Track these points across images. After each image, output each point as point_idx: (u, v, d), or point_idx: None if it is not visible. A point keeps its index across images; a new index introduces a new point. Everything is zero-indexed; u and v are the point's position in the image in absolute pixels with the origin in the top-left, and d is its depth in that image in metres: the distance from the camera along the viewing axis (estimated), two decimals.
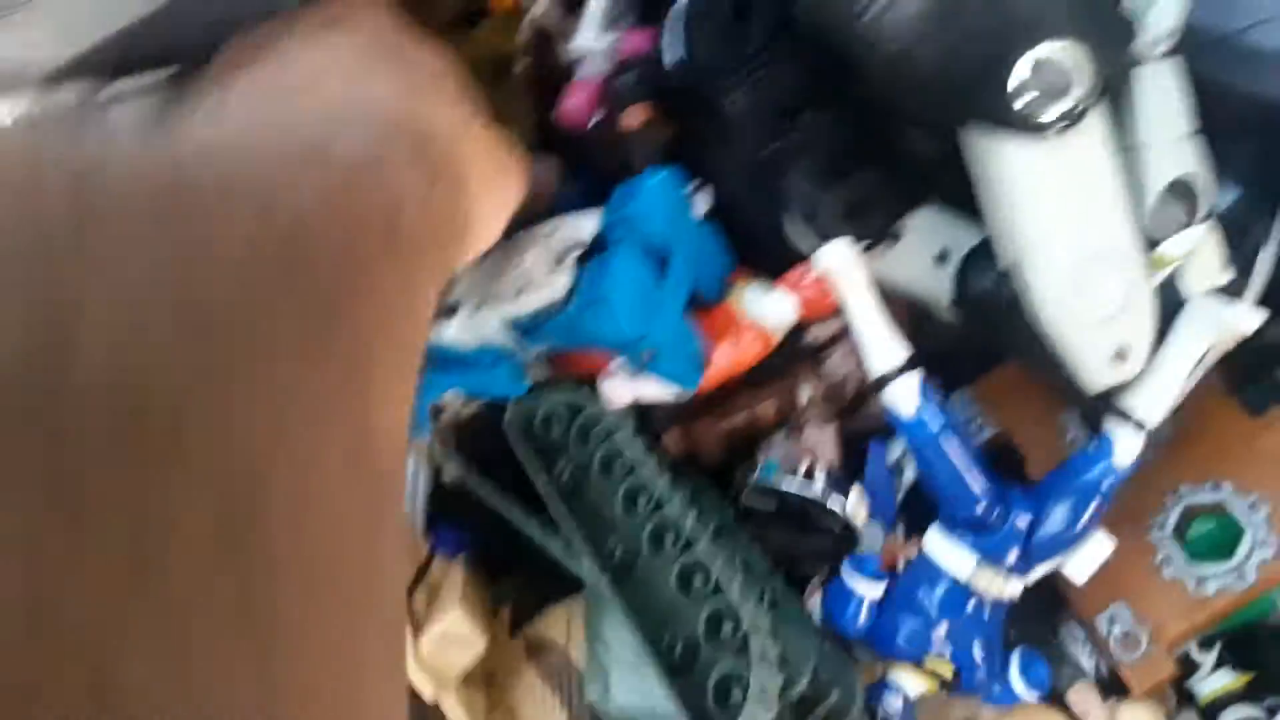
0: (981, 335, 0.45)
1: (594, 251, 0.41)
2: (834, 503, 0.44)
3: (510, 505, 0.49)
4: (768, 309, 0.44)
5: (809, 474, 0.45)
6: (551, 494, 0.45)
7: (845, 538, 0.46)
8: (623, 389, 0.45)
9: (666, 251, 0.41)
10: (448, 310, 0.44)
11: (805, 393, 0.46)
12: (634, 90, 0.45)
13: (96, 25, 0.38)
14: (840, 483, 0.45)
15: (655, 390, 0.44)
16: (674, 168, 0.42)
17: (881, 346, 0.41)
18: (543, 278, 0.41)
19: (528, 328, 0.42)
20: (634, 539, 0.44)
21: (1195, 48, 0.41)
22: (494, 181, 0.30)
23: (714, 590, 0.40)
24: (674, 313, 0.41)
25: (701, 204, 0.51)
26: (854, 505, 0.44)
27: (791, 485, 0.45)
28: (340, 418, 0.17)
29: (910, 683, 0.43)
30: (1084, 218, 0.37)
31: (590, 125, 0.47)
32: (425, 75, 0.27)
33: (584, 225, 0.41)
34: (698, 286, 0.43)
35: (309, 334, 0.17)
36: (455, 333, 0.42)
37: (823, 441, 0.45)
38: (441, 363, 0.43)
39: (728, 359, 0.44)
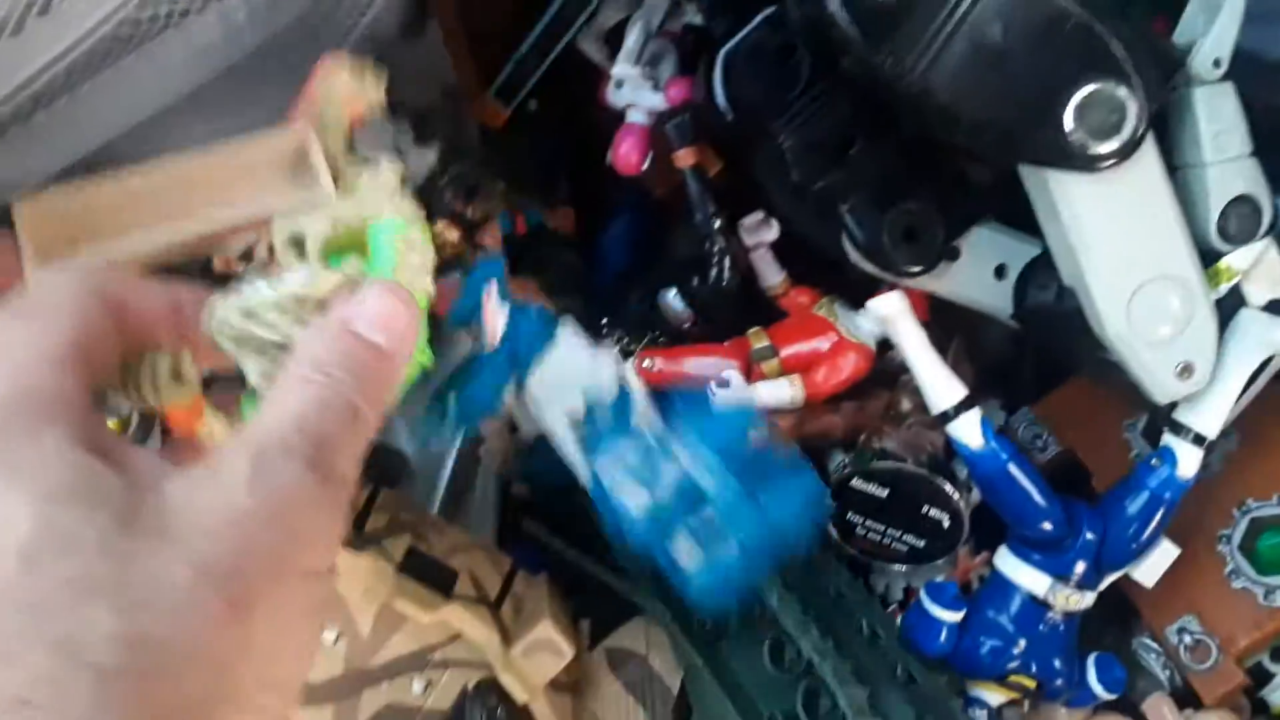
0: (1043, 345, 0.46)
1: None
2: (949, 488, 0.46)
3: (598, 565, 0.51)
4: (864, 325, 0.46)
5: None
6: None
7: (946, 536, 0.47)
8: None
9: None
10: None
11: (907, 401, 0.48)
12: (683, 134, 0.46)
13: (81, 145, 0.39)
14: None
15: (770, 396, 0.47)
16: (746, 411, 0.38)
17: (940, 386, 0.42)
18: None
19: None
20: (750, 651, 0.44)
21: (1242, 72, 0.42)
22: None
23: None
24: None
25: (770, 233, 0.52)
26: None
27: (913, 466, 0.47)
28: None
29: (993, 697, 0.45)
30: (1142, 242, 0.38)
31: (643, 170, 0.49)
32: None
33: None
34: None
35: None
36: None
37: (935, 438, 0.48)
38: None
39: (841, 374, 0.47)
